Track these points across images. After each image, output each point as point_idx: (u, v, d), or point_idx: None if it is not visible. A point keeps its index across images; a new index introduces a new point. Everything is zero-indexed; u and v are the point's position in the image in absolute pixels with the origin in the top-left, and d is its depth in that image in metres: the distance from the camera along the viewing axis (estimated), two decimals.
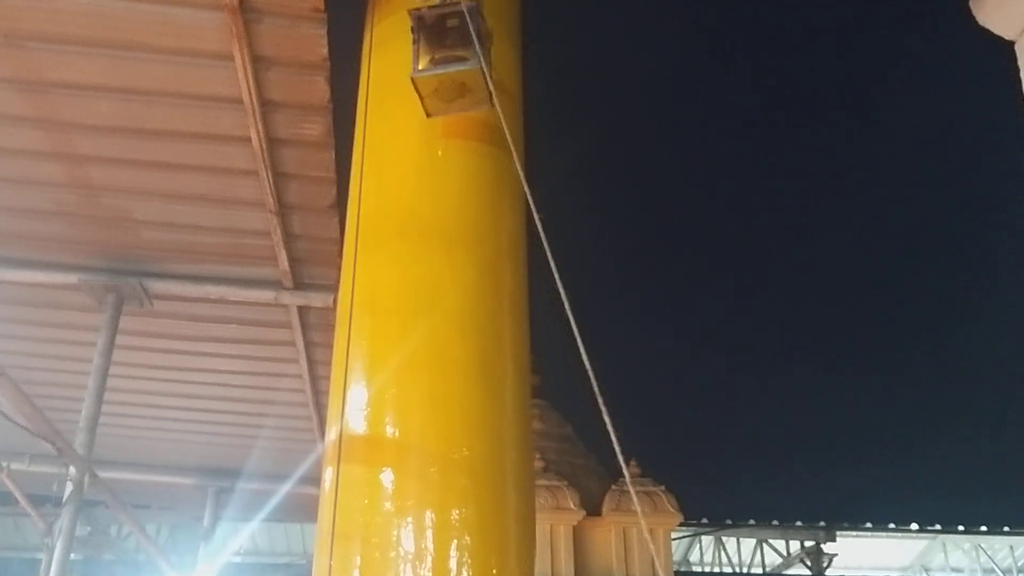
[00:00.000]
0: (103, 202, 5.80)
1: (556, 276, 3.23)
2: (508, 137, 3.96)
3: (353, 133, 5.24)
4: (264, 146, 5.25)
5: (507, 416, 4.24)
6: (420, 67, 4.21)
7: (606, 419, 3.24)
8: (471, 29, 4.09)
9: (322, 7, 4.45)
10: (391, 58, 4.63)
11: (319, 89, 4.96)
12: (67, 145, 5.28)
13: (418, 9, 4.27)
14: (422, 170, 4.53)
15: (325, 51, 4.71)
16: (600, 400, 3.25)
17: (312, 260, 6.46)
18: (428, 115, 4.36)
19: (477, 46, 4.08)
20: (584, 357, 3.16)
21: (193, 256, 6.40)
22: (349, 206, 4.83)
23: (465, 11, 4.14)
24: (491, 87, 4.13)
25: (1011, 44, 4.54)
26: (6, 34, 4.52)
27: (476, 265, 4.36)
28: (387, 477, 3.88)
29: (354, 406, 4.15)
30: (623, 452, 3.17)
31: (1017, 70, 4.42)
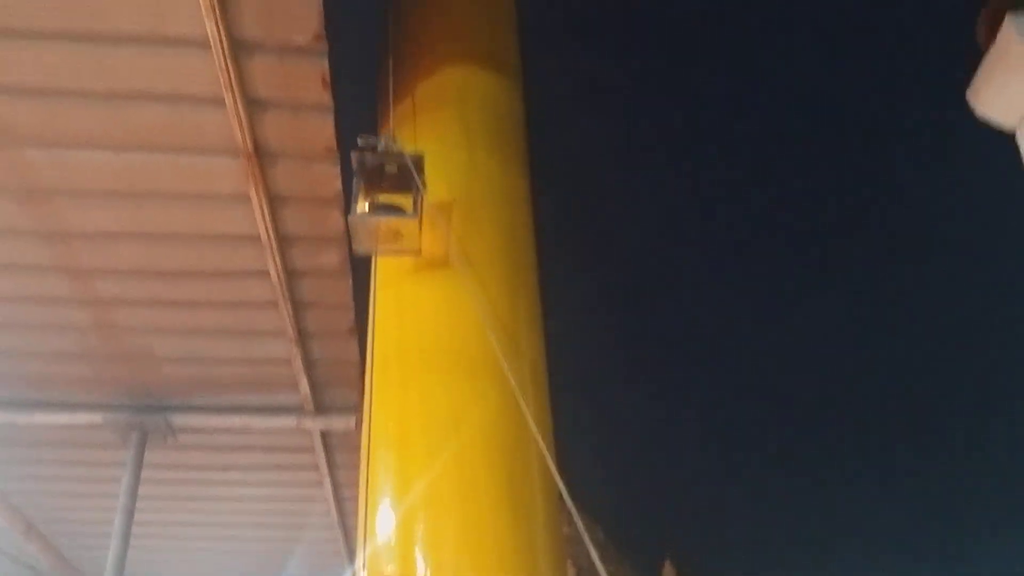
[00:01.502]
0: (125, 342, 5.87)
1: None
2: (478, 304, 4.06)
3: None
4: (282, 278, 5.33)
5: (539, 541, 4.19)
6: (358, 209, 4.34)
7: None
8: (413, 180, 4.25)
9: (335, 147, 4.58)
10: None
11: (334, 221, 5.06)
12: (89, 290, 5.38)
13: (361, 152, 4.40)
14: (439, 299, 4.57)
15: (339, 186, 4.83)
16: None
17: (333, 384, 6.50)
18: (354, 253, 4.49)
19: (417, 197, 4.24)
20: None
21: (215, 388, 6.44)
22: (368, 334, 4.88)
23: (409, 162, 4.29)
24: (422, 237, 4.29)
25: (1012, 134, 4.59)
26: (29, 190, 4.66)
27: (499, 392, 4.37)
28: None
29: (383, 540, 4.11)
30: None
31: (1020, 160, 4.45)
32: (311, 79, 4.21)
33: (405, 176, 4.37)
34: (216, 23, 3.72)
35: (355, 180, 4.43)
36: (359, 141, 4.47)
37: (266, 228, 4.95)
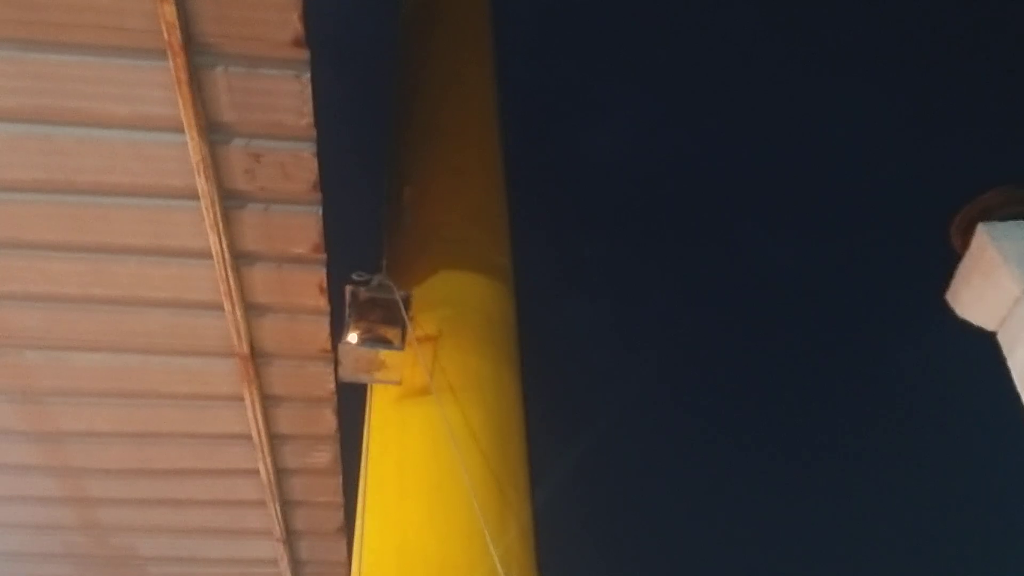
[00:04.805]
0: (111, 542, 5.77)
1: None
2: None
3: (359, 453, 5.28)
4: (272, 477, 5.31)
5: None
6: (349, 339, 4.45)
7: None
8: (401, 315, 4.41)
9: (329, 348, 4.66)
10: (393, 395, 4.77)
11: (326, 420, 5.09)
12: (78, 490, 5.34)
13: (355, 286, 4.54)
14: (431, 509, 4.49)
15: (333, 386, 4.89)
16: None
17: None
18: (338, 379, 4.58)
19: (404, 332, 4.44)
20: None
21: None
22: (354, 544, 4.77)
23: (399, 300, 4.45)
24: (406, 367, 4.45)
25: (992, 335, 4.67)
26: (24, 392, 4.71)
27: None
28: None
29: None
30: None
31: (1002, 360, 4.51)
32: (309, 286, 4.35)
33: (394, 312, 4.51)
34: (219, 237, 3.88)
35: (347, 311, 4.54)
36: (355, 276, 4.63)
37: (258, 427, 4.98)
